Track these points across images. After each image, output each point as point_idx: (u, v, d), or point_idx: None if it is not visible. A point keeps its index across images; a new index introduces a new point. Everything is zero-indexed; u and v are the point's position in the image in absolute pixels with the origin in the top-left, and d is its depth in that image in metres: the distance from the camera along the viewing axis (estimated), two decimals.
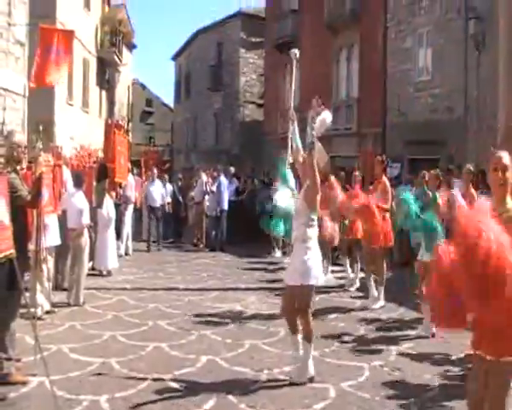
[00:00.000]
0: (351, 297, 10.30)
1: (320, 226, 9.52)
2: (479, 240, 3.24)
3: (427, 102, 19.04)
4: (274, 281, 11.56)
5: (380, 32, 21.11)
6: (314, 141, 5.85)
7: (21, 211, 5.89)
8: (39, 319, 7.39)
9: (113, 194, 12.10)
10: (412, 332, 7.93)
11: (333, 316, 8.80)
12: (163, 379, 5.90)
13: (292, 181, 7.74)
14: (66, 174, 10.33)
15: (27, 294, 6.35)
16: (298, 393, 5.63)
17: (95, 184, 11.47)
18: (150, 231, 16.02)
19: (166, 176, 18.18)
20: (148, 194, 16.01)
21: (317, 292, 8.69)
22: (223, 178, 16.75)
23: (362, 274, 11.02)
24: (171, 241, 17.82)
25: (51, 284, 8.63)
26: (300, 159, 6.29)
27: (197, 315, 8.69)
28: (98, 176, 11.52)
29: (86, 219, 9.34)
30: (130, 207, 14.92)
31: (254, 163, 26.83)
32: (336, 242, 11.23)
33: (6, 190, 5.26)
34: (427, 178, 8.60)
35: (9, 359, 5.67)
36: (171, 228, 18.22)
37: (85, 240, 9.35)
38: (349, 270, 11.34)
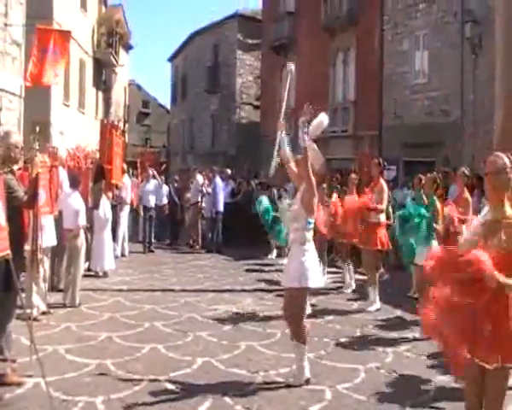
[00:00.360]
0: (347, 299, 10.30)
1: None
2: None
3: (423, 104, 19.09)
4: (270, 283, 11.56)
5: (376, 35, 21.16)
6: (307, 145, 5.83)
7: (18, 212, 5.88)
8: (35, 319, 7.35)
9: (110, 195, 12.08)
10: (409, 334, 7.92)
11: (329, 318, 8.80)
12: (159, 381, 5.89)
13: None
14: (63, 175, 10.31)
15: (23, 295, 6.32)
16: (294, 395, 5.63)
17: (91, 184, 11.46)
18: (145, 232, 16.00)
19: (163, 177, 18.13)
20: (142, 194, 16.00)
21: (314, 294, 8.73)
22: (218, 180, 16.74)
23: (358, 276, 11.04)
24: (167, 243, 17.80)
25: (47, 285, 8.62)
26: (292, 164, 6.27)
27: (193, 317, 8.68)
28: (95, 177, 11.51)
29: (82, 220, 9.32)
30: (126, 209, 14.89)
31: (251, 165, 26.83)
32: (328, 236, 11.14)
33: (2, 191, 5.25)
34: (423, 182, 8.54)
35: (5, 360, 5.66)
36: (168, 230, 18.21)
37: (81, 241, 9.32)
38: (346, 272, 11.34)
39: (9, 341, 5.78)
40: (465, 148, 16.74)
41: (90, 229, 10.91)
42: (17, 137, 6.31)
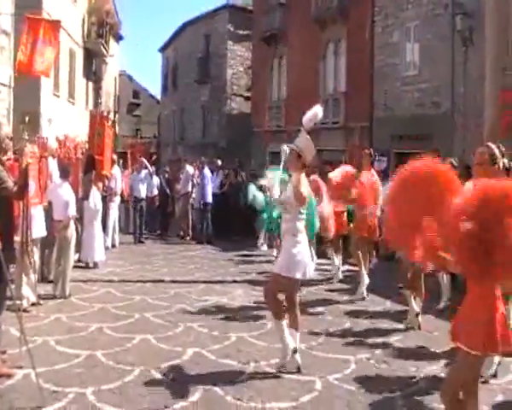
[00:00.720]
0: (337, 290, 10.33)
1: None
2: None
3: (413, 96, 19.08)
4: (261, 274, 11.58)
5: (367, 27, 21.13)
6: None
7: (7, 202, 5.85)
8: (25, 311, 7.33)
9: (100, 186, 12.04)
10: (398, 325, 7.96)
11: (320, 309, 8.82)
12: (149, 371, 5.90)
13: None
14: (53, 165, 10.26)
15: (13, 286, 6.30)
16: (284, 385, 5.65)
17: (81, 175, 11.41)
18: (136, 223, 15.96)
19: (153, 168, 18.07)
20: (133, 185, 15.96)
21: (304, 285, 8.75)
22: (207, 171, 16.70)
23: (349, 267, 11.07)
24: (158, 234, 17.78)
25: (37, 276, 8.58)
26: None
27: (184, 307, 8.69)
28: (85, 167, 11.46)
29: (72, 211, 9.28)
30: (117, 200, 14.85)
31: (242, 156, 26.79)
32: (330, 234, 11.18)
33: None
34: None
35: None
36: (158, 221, 18.17)
37: (71, 232, 9.29)
38: (336, 262, 11.37)
39: None
40: (455, 139, 16.77)
41: (80, 220, 10.88)
42: (7, 129, 6.29)
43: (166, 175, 18.83)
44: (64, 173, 9.60)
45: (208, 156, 21.60)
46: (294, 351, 5.97)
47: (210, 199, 16.52)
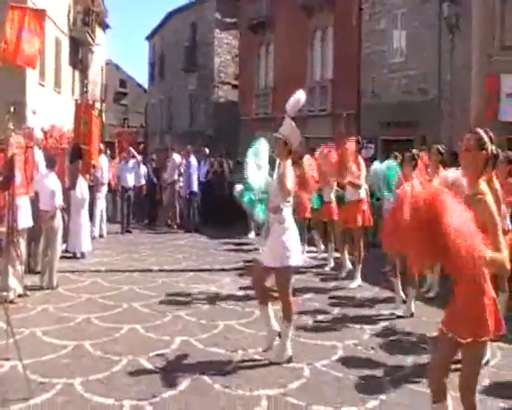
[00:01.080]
0: (325, 277, 10.36)
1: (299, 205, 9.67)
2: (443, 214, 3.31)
3: (400, 83, 19.13)
4: (249, 262, 11.58)
5: (354, 14, 21.10)
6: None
7: None
8: (11, 302, 7.29)
9: (87, 176, 11.97)
10: (386, 311, 8.01)
11: (308, 296, 8.84)
12: (138, 361, 5.89)
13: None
14: (39, 155, 10.18)
15: None
16: (273, 373, 5.67)
17: (68, 164, 11.33)
18: (123, 213, 15.90)
19: (141, 157, 17.97)
20: (120, 174, 15.88)
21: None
22: (192, 159, 16.66)
23: (336, 254, 11.09)
24: (145, 223, 17.73)
25: (23, 267, 8.53)
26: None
27: (172, 296, 8.68)
28: (71, 157, 11.38)
29: (59, 201, 9.22)
30: (103, 189, 14.77)
31: (229, 144, 26.75)
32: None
33: None
34: (399, 160, 8.55)
35: None
36: (146, 210, 18.12)
37: (58, 222, 9.23)
38: (322, 249, 11.39)
39: None
40: (442, 126, 16.83)
41: (66, 210, 10.82)
42: None
43: (154, 164, 18.77)
44: (50, 163, 9.52)
45: (196, 145, 21.56)
46: (279, 335, 6.00)
47: (195, 188, 16.51)
